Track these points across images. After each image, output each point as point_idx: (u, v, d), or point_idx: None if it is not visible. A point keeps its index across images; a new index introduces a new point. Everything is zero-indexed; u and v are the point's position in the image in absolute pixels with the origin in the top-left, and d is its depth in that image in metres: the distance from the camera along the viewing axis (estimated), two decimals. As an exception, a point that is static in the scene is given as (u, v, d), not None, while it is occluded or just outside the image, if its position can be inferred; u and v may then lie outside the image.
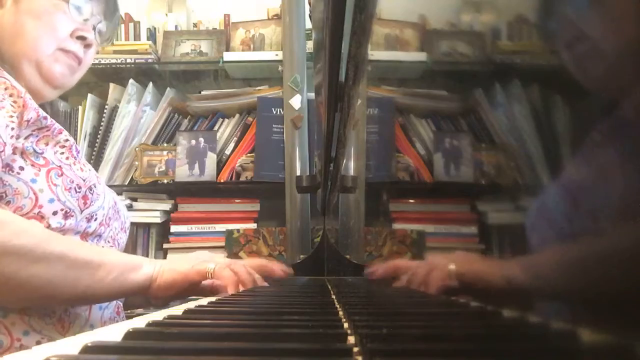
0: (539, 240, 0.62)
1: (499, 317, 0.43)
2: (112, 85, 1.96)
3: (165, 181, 1.86)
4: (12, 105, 0.73)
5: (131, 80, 1.93)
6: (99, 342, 0.29)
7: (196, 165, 1.84)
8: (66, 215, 0.76)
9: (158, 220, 1.88)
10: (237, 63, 1.94)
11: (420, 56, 1.90)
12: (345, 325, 0.38)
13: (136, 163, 1.85)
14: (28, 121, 0.75)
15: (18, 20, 0.84)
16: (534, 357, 0.27)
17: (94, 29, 0.91)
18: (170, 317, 0.43)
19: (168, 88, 1.92)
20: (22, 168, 0.74)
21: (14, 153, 0.74)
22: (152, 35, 2.01)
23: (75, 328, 0.76)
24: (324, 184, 1.05)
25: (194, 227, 1.87)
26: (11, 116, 0.72)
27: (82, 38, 0.88)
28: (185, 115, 1.94)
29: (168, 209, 1.90)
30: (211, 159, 1.84)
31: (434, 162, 1.81)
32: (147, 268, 0.76)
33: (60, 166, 0.78)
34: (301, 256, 1.68)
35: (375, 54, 1.87)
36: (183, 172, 1.84)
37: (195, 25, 2.10)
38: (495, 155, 1.72)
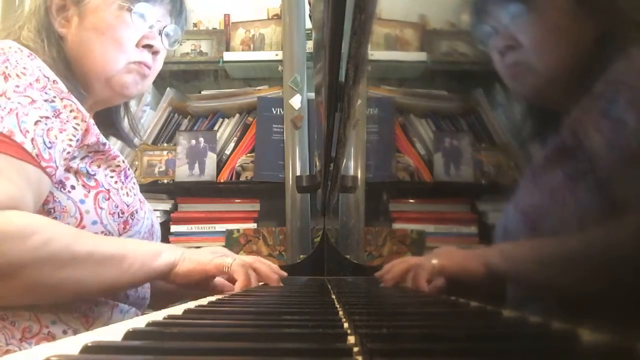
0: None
1: (499, 317, 0.43)
2: (112, 85, 1.96)
3: (165, 181, 1.86)
4: (74, 128, 0.75)
5: (131, 80, 1.93)
6: (99, 342, 0.29)
7: (196, 165, 1.84)
8: None
9: (158, 220, 1.88)
10: (237, 63, 1.94)
11: (420, 56, 1.90)
12: (345, 325, 0.38)
13: (136, 163, 1.85)
14: (88, 145, 0.78)
15: (84, 38, 0.84)
16: (534, 357, 0.27)
17: (160, 33, 0.90)
18: (170, 317, 0.43)
19: (168, 88, 1.92)
20: (73, 187, 0.76)
21: (67, 171, 0.76)
22: (152, 35, 2.01)
23: (98, 325, 0.79)
24: (324, 184, 1.05)
25: (194, 227, 1.87)
26: (70, 139, 0.74)
27: (148, 46, 0.88)
28: (185, 115, 1.94)
29: (168, 208, 1.90)
30: (211, 159, 1.84)
31: (434, 162, 1.80)
32: (167, 255, 0.79)
33: (108, 190, 0.80)
34: (301, 256, 1.68)
35: (375, 54, 1.87)
36: (183, 172, 1.84)
37: (195, 25, 2.10)
38: (495, 155, 1.72)
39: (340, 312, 0.46)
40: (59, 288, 0.68)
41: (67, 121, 0.75)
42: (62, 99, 0.76)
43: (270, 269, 0.86)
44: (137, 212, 0.84)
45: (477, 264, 0.60)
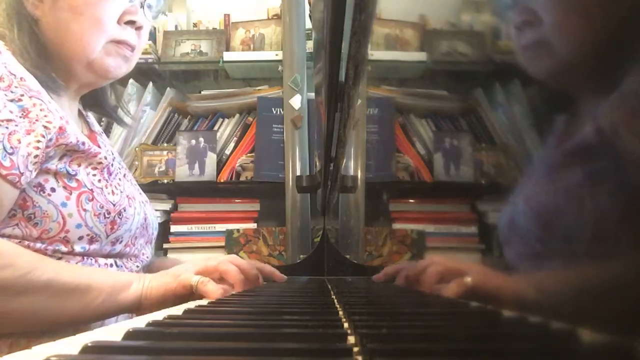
0: (511, 252, 0.61)
1: (499, 317, 0.43)
2: (112, 85, 1.96)
3: (165, 181, 1.86)
4: (45, 127, 0.70)
5: (131, 80, 1.93)
6: (99, 342, 0.29)
7: (196, 165, 1.84)
8: (91, 241, 0.75)
9: (158, 220, 1.88)
10: (237, 63, 1.94)
11: (420, 56, 1.90)
12: (345, 325, 0.38)
13: (136, 163, 1.85)
14: (66, 145, 0.73)
15: (60, 19, 0.77)
16: (534, 357, 0.27)
17: (142, 6, 0.84)
18: (170, 317, 0.43)
19: (168, 88, 1.92)
20: (53, 189, 0.72)
21: (46, 173, 0.71)
22: (152, 35, 2.01)
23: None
24: (324, 184, 1.05)
25: (194, 227, 1.87)
26: (39, 140, 0.69)
27: (131, 22, 0.82)
28: (185, 115, 1.94)
29: (168, 208, 1.89)
30: (211, 159, 1.84)
31: (434, 162, 1.81)
32: (135, 286, 0.72)
33: (92, 190, 0.76)
34: (301, 256, 1.68)
35: (375, 54, 1.87)
36: (183, 172, 1.84)
37: (195, 25, 2.10)
38: (495, 155, 1.72)
39: (340, 312, 0.46)
40: (11, 319, 0.63)
41: (37, 120, 0.69)
42: (30, 97, 0.70)
43: (236, 273, 0.77)
44: (125, 210, 0.79)
45: (509, 294, 0.58)
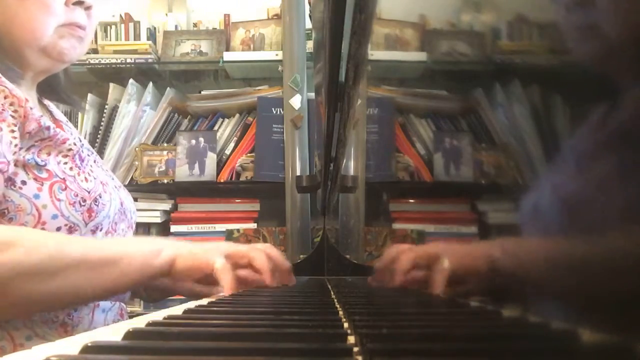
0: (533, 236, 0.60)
1: (499, 317, 0.43)
2: (112, 85, 1.96)
3: (165, 181, 1.86)
4: (12, 117, 0.69)
5: (131, 80, 1.93)
6: (99, 342, 0.29)
7: (196, 165, 1.84)
8: (70, 230, 0.74)
9: (158, 220, 1.88)
10: (237, 63, 1.94)
11: (420, 56, 1.90)
12: (345, 325, 0.38)
13: (136, 163, 1.85)
14: (30, 133, 0.71)
15: (5, 5, 0.76)
16: (534, 357, 0.27)
17: None
18: (170, 317, 0.43)
19: (168, 88, 1.92)
20: (24, 182, 0.70)
21: (15, 165, 0.70)
22: (152, 35, 2.01)
23: (79, 331, 0.74)
24: (324, 184, 1.05)
25: (194, 227, 1.87)
26: (12, 130, 0.68)
27: (79, 3, 0.80)
28: (185, 115, 1.94)
29: (168, 208, 1.90)
30: (211, 159, 1.84)
31: (434, 162, 1.81)
32: (167, 251, 0.72)
33: (64, 179, 0.74)
34: (301, 256, 1.68)
35: (375, 54, 1.87)
36: (183, 172, 1.84)
37: (195, 25, 2.10)
38: (495, 155, 1.72)
39: (340, 312, 0.46)
40: (51, 299, 0.64)
41: (3, 110, 0.68)
42: None
43: (264, 261, 0.75)
44: (100, 197, 0.78)
45: (481, 263, 0.58)
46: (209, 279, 0.76)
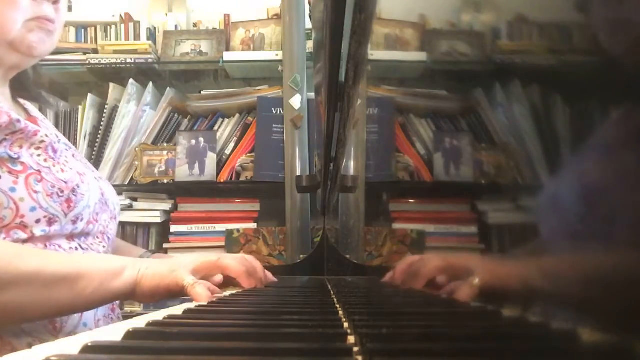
0: (549, 236, 0.60)
1: (499, 317, 0.43)
2: (112, 85, 1.96)
3: (165, 181, 1.86)
4: None
5: (131, 80, 1.93)
6: (99, 342, 0.29)
7: (196, 165, 1.84)
8: (50, 222, 0.73)
9: (158, 220, 1.88)
10: (237, 63, 1.94)
11: (420, 56, 1.90)
12: (345, 325, 0.38)
13: (136, 163, 1.85)
14: (0, 126, 0.71)
15: None
16: (534, 357, 0.27)
17: None
18: (170, 317, 0.43)
19: (168, 88, 1.92)
20: None
21: None
22: (152, 35, 2.01)
23: (68, 328, 0.74)
24: (324, 184, 1.05)
25: (194, 227, 1.87)
26: None
27: None
28: (185, 115, 1.94)
29: (168, 208, 1.90)
30: (211, 159, 1.84)
31: (434, 162, 1.81)
32: (129, 272, 0.69)
33: (39, 170, 0.73)
34: (301, 256, 1.68)
35: (375, 54, 1.87)
36: (183, 172, 1.84)
37: (195, 25, 2.10)
38: (495, 155, 1.72)
39: (340, 312, 0.46)
40: None
41: None
42: None
43: (237, 266, 0.75)
44: (78, 187, 0.77)
45: (516, 283, 0.58)
46: (179, 297, 0.73)
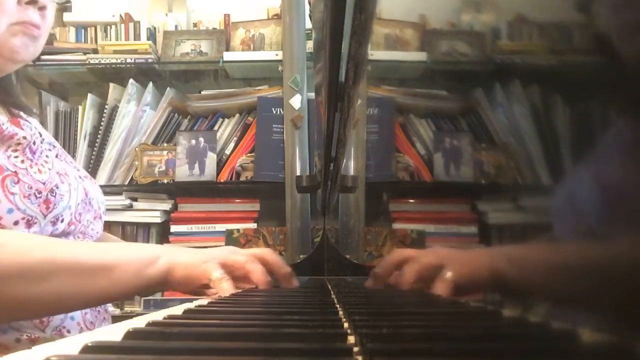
0: (549, 236, 0.60)
1: (499, 317, 0.43)
2: (112, 85, 1.96)
3: (165, 181, 1.86)
4: None
5: (131, 80, 1.93)
6: (99, 342, 0.29)
7: (196, 165, 1.84)
8: (29, 224, 0.72)
9: (158, 220, 1.88)
10: (237, 63, 1.94)
11: (420, 56, 1.90)
12: (345, 325, 0.38)
13: (136, 163, 1.85)
14: None
15: None
16: (534, 357, 0.27)
17: None
18: (170, 317, 0.43)
19: (168, 88, 1.92)
20: None
21: None
22: (152, 35, 2.01)
23: (55, 322, 0.73)
24: (324, 184, 1.05)
25: (194, 227, 1.87)
26: None
27: (32, 2, 0.78)
28: (185, 115, 1.95)
29: (168, 208, 1.90)
30: (211, 159, 1.85)
31: (434, 162, 1.81)
32: (163, 260, 0.70)
33: (15, 172, 0.72)
34: (301, 256, 1.68)
35: (375, 54, 1.87)
36: (183, 172, 1.84)
37: (195, 25, 2.10)
38: (495, 155, 1.72)
39: (340, 312, 0.46)
40: (38, 304, 0.61)
41: None
42: None
43: (261, 274, 0.74)
44: (57, 188, 0.76)
45: (485, 271, 0.58)
46: (204, 287, 0.75)
